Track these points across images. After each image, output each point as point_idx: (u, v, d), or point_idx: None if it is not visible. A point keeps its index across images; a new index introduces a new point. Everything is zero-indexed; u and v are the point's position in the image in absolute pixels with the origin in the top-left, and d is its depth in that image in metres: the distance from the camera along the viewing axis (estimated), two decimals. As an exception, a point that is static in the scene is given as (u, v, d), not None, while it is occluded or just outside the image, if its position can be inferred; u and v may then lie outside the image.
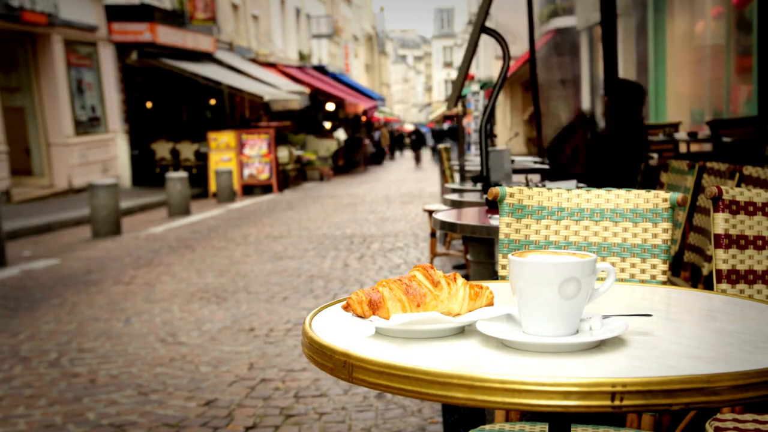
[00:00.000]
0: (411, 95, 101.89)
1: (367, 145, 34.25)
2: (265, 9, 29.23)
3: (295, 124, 25.70)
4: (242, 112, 24.48)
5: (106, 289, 7.00)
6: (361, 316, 1.32)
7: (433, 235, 6.36)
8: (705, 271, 3.42)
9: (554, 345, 1.17)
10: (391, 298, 1.29)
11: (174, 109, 22.43)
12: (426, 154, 43.46)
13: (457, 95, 4.59)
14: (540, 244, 1.93)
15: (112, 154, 18.68)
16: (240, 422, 3.70)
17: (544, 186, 2.52)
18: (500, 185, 2.00)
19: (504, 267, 1.90)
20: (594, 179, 4.45)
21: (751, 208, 1.93)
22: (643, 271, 1.85)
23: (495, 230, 2.82)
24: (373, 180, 22.49)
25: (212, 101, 23.09)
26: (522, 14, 8.00)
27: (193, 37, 21.09)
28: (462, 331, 1.27)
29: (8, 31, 15.54)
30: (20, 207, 14.04)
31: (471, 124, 27.16)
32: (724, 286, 1.90)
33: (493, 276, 3.39)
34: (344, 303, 1.36)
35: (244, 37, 26.43)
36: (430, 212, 6.07)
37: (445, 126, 42.12)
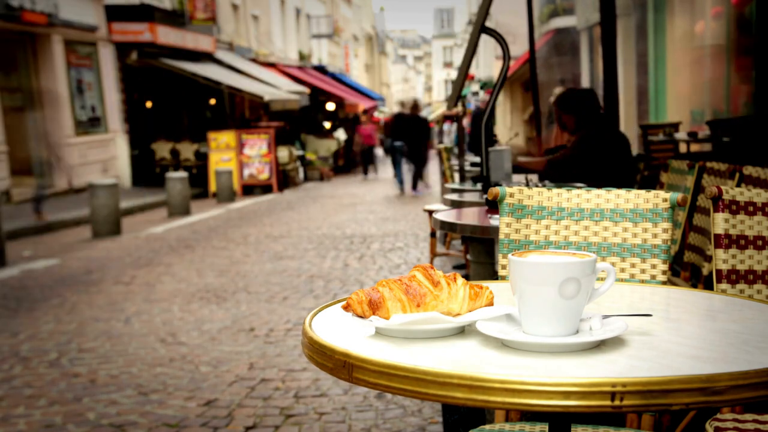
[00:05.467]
0: (411, 95, 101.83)
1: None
2: (265, 9, 29.21)
3: (294, 124, 25.64)
4: (242, 112, 24.46)
5: (106, 289, 7.00)
6: (361, 316, 1.32)
7: (433, 235, 6.36)
8: (705, 271, 3.42)
9: (554, 345, 1.17)
10: (391, 298, 1.29)
11: (174, 109, 22.41)
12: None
13: (457, 95, 4.59)
14: (540, 244, 1.93)
15: (112, 154, 18.67)
16: (240, 422, 3.70)
17: (544, 186, 2.52)
18: (500, 185, 2.00)
19: (504, 267, 1.90)
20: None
21: (751, 208, 1.93)
22: (643, 271, 1.85)
23: (495, 230, 2.82)
24: (373, 180, 22.46)
25: (212, 101, 23.08)
26: (522, 14, 8.01)
27: (193, 37, 21.08)
28: (462, 331, 1.27)
29: (8, 31, 15.53)
30: (20, 207, 14.02)
31: (471, 124, 27.11)
32: (724, 286, 1.90)
33: (493, 276, 3.39)
34: (344, 303, 1.36)
35: (244, 37, 26.42)
36: (430, 212, 6.06)
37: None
